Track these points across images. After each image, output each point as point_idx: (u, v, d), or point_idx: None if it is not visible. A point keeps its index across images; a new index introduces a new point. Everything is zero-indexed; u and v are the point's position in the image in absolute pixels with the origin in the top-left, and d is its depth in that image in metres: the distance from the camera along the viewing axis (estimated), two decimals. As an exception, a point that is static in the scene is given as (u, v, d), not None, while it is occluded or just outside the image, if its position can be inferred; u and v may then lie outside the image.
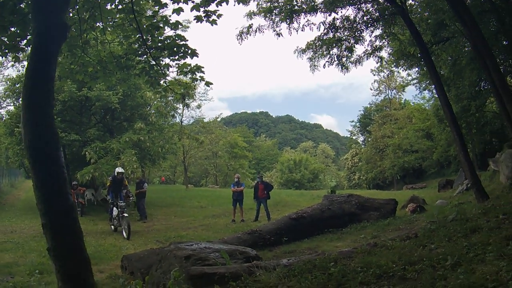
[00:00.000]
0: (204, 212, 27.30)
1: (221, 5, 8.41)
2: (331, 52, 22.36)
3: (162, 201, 29.71)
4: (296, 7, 20.91)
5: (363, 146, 73.65)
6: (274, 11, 20.86)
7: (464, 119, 26.44)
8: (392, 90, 67.86)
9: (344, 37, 21.90)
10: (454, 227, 9.14)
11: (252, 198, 23.26)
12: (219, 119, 70.79)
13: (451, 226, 9.39)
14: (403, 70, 34.00)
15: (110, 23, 9.53)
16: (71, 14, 8.19)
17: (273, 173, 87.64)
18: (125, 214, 18.73)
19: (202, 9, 8.39)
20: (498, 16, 20.16)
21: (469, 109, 25.95)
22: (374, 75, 64.26)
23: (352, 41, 22.08)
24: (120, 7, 8.81)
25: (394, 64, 27.10)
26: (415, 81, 42.82)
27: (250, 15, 21.04)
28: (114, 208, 19.81)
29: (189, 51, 8.99)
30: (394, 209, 18.10)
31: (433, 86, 25.73)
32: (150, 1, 9.20)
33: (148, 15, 9.13)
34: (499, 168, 23.37)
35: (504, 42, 21.91)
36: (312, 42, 22.21)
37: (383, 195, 25.63)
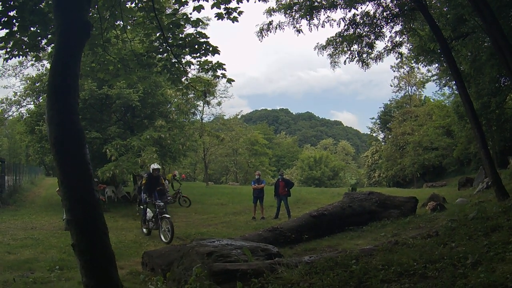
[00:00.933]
0: (224, 209, 27.40)
1: (241, 2, 8.43)
2: (351, 48, 22.39)
3: (183, 198, 29.76)
4: (316, 3, 20.94)
5: (383, 143, 73.00)
6: (294, 7, 20.91)
7: (484, 116, 26.10)
8: (412, 87, 67.57)
9: (364, 33, 21.88)
10: (474, 226, 9.12)
11: (273, 196, 23.28)
12: (239, 116, 70.62)
13: (471, 225, 9.37)
14: (423, 66, 33.79)
15: (131, 22, 9.61)
16: (90, 14, 8.24)
17: (293, 170, 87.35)
18: (167, 215, 16.71)
19: (222, 6, 8.42)
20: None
21: (489, 106, 25.62)
22: (394, 71, 64.16)
23: (372, 37, 22.06)
24: (140, 5, 8.87)
25: (414, 60, 26.93)
26: (435, 77, 42.45)
27: (270, 11, 21.10)
28: (148, 209, 18.13)
29: (211, 49, 9.02)
30: (415, 207, 17.94)
31: (454, 83, 25.59)
32: (170, -1, 9.28)
33: (168, 13, 9.18)
34: (519, 166, 23.17)
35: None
36: (332, 39, 22.24)
37: (403, 193, 25.45)
